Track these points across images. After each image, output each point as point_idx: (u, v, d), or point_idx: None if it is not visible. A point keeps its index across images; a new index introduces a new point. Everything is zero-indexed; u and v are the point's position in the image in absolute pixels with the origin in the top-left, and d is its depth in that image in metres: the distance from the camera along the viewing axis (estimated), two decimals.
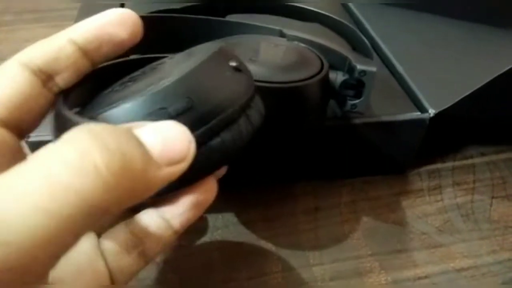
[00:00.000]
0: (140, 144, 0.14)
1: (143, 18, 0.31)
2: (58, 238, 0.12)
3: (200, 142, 0.17)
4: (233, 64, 0.19)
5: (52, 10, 0.52)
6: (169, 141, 0.15)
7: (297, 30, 0.30)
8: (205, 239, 0.30)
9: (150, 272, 0.27)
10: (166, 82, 0.17)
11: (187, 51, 0.22)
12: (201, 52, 0.20)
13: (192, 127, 0.17)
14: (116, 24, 0.19)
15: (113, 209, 0.13)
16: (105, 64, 0.21)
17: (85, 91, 0.20)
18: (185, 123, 0.16)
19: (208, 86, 0.18)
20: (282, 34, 0.30)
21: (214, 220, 0.31)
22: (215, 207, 0.31)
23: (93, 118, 0.17)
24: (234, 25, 0.32)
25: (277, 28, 0.31)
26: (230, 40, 0.29)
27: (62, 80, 0.18)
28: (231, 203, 0.32)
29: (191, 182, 0.18)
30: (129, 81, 0.20)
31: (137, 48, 0.32)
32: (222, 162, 0.19)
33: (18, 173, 0.12)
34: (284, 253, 0.29)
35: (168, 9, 0.33)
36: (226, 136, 0.18)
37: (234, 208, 0.31)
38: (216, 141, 0.18)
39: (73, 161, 0.12)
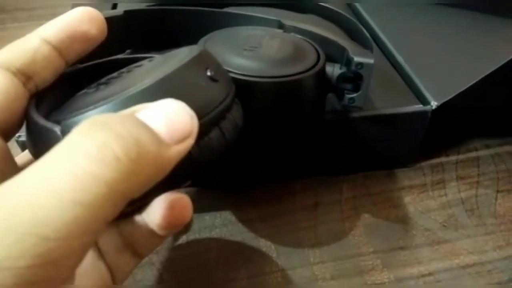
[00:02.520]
0: (148, 128, 0.14)
1: (137, 11, 0.31)
2: (92, 227, 0.13)
3: None
4: (210, 73, 0.18)
5: (44, 7, 0.51)
6: (171, 119, 0.15)
7: (294, 20, 0.29)
8: (203, 238, 0.29)
9: (146, 273, 0.27)
10: (135, 89, 0.16)
11: (168, 53, 0.21)
12: (179, 57, 0.19)
13: None
14: (86, 22, 0.19)
15: (135, 194, 0.14)
16: (82, 65, 0.21)
17: (61, 93, 0.20)
18: None
19: (178, 95, 0.17)
20: (280, 25, 0.30)
21: (212, 219, 0.30)
22: (213, 205, 0.31)
23: (60, 122, 0.16)
24: (232, 16, 0.31)
25: (275, 19, 0.30)
26: (225, 32, 0.28)
27: (40, 80, 0.19)
28: (229, 201, 0.31)
29: (158, 193, 0.18)
30: (104, 83, 0.20)
31: (131, 42, 0.31)
32: (189, 176, 0.18)
33: (44, 169, 0.13)
34: (284, 252, 0.28)
35: (164, 3, 0.33)
36: (193, 150, 0.17)
37: (232, 206, 0.31)
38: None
39: (94, 153, 0.13)
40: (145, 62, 0.21)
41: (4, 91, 0.17)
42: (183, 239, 0.29)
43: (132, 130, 0.14)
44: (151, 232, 0.20)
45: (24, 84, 0.18)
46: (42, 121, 0.17)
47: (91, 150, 0.13)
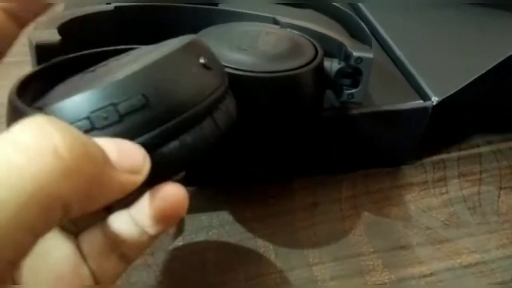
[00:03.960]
0: (97, 143, 0.13)
1: (128, 7, 0.30)
2: (13, 236, 0.11)
3: (154, 144, 0.16)
4: (203, 60, 0.18)
5: None
6: (123, 148, 0.14)
7: (291, 16, 0.29)
8: (200, 238, 0.28)
9: (142, 275, 0.26)
10: (120, 75, 0.15)
11: (160, 43, 0.21)
12: (170, 45, 0.18)
13: (145, 127, 0.16)
14: None
15: (72, 204, 0.12)
16: (70, 56, 0.20)
17: (46, 83, 0.19)
18: (136, 122, 0.15)
19: (168, 83, 0.16)
20: (275, 22, 0.29)
21: (209, 219, 0.29)
22: (210, 205, 0.30)
23: (40, 108, 0.16)
24: (226, 13, 0.30)
25: (270, 15, 0.29)
26: (220, 28, 0.27)
27: None
28: (226, 201, 0.30)
29: (151, 184, 0.16)
30: (90, 72, 0.19)
31: (122, 39, 0.31)
32: (181, 167, 0.17)
33: None
34: (282, 252, 0.27)
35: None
36: (185, 139, 0.16)
37: (229, 206, 0.30)
38: (173, 144, 0.16)
39: (29, 144, 0.11)
40: (133, 51, 0.21)
41: None
42: (179, 240, 0.28)
43: (81, 135, 0.12)
44: (140, 231, 0.17)
45: None
46: (23, 107, 0.16)
47: (25, 140, 0.11)
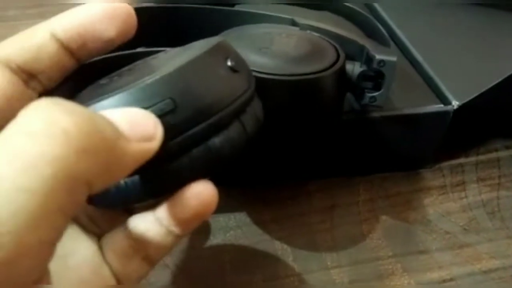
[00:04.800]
0: (105, 117, 0.13)
1: (146, 9, 0.30)
2: (46, 218, 0.11)
3: (183, 149, 0.16)
4: (230, 63, 0.17)
5: (55, 4, 0.50)
6: (134, 119, 0.14)
7: (308, 18, 0.29)
8: (217, 240, 0.28)
9: (160, 275, 0.26)
10: (149, 79, 0.15)
11: (186, 45, 0.20)
12: (197, 48, 0.18)
13: (174, 132, 0.15)
14: (105, 20, 0.17)
15: (93, 180, 0.12)
16: (95, 59, 0.19)
17: (72, 87, 0.19)
18: (167, 126, 0.15)
19: (196, 86, 0.16)
20: (294, 23, 0.29)
21: (226, 220, 0.29)
22: (227, 207, 0.30)
23: None
24: (243, 15, 0.30)
25: (288, 17, 0.29)
26: (240, 30, 0.27)
27: (46, 79, 0.17)
28: (244, 202, 0.30)
29: (177, 188, 0.16)
30: (116, 76, 0.19)
31: (141, 40, 0.31)
32: (209, 171, 0.17)
33: None
34: (300, 255, 0.27)
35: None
36: (213, 143, 0.16)
37: (246, 207, 0.30)
38: (201, 148, 0.16)
39: (39, 130, 0.11)
40: (159, 54, 0.21)
41: (0, 90, 0.16)
42: (197, 241, 0.28)
43: (87, 112, 0.12)
44: (165, 232, 0.17)
45: (26, 82, 0.16)
46: None
47: (33, 127, 0.11)
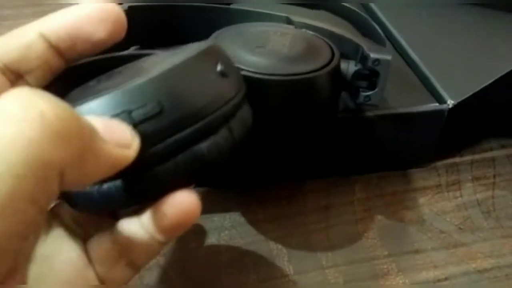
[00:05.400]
0: (84, 117, 0.13)
1: (141, 7, 0.30)
2: (13, 207, 0.11)
3: (167, 154, 0.16)
4: (220, 68, 0.17)
5: (52, 3, 0.50)
6: (109, 125, 0.14)
7: (304, 17, 0.29)
8: (212, 240, 0.28)
9: (154, 276, 0.26)
10: (135, 82, 0.15)
11: (178, 48, 0.20)
12: (187, 51, 0.18)
13: (158, 136, 0.15)
14: (94, 21, 0.17)
15: (66, 170, 0.12)
16: (84, 60, 0.19)
17: (60, 88, 0.18)
18: (151, 130, 0.15)
19: (184, 90, 0.16)
20: (289, 21, 0.29)
21: (221, 220, 0.29)
22: (222, 206, 0.30)
23: None
24: (238, 13, 0.30)
25: (283, 15, 0.29)
26: (234, 29, 0.27)
27: (33, 79, 0.17)
28: (238, 202, 0.30)
29: (162, 194, 0.16)
30: (105, 77, 0.19)
31: (136, 39, 0.31)
32: (195, 177, 0.17)
33: None
34: (295, 255, 0.27)
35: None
36: (200, 148, 0.16)
37: (241, 207, 0.30)
38: (186, 154, 0.16)
39: (16, 114, 0.11)
40: (151, 57, 0.20)
41: None
42: (192, 241, 0.28)
43: (66, 105, 0.12)
44: (150, 238, 0.17)
45: (13, 82, 0.16)
46: None
47: (10, 109, 0.11)
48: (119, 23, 0.17)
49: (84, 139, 0.12)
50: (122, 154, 0.14)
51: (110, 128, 0.14)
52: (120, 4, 0.37)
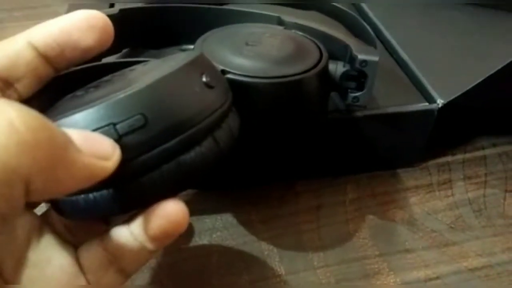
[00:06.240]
0: (57, 127, 0.13)
1: (135, 9, 0.30)
2: None
3: (152, 164, 0.16)
4: (205, 79, 0.18)
5: (43, 6, 0.50)
6: (89, 137, 0.14)
7: (295, 17, 0.29)
8: (203, 241, 0.28)
9: (146, 277, 0.26)
10: (121, 94, 0.15)
11: (164, 58, 0.21)
12: (173, 62, 0.18)
13: (143, 147, 0.16)
14: (83, 29, 0.17)
15: (33, 178, 0.12)
16: (73, 69, 0.20)
17: (49, 97, 0.19)
18: (136, 142, 0.15)
19: (168, 102, 0.16)
20: (280, 21, 0.29)
21: (213, 222, 0.29)
22: (214, 208, 0.30)
23: None
24: (231, 13, 0.30)
25: (275, 15, 0.29)
26: (223, 30, 0.27)
27: (22, 87, 0.17)
28: (230, 203, 0.30)
29: (149, 203, 0.17)
30: (93, 87, 0.19)
31: (131, 41, 0.31)
32: (180, 187, 0.17)
33: None
34: (287, 255, 0.27)
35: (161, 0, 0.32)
36: (184, 159, 0.16)
37: (233, 208, 0.30)
38: (172, 164, 0.16)
39: None
40: (137, 66, 0.21)
41: None
42: (183, 242, 0.28)
43: (39, 114, 0.12)
44: (140, 246, 0.17)
45: (2, 90, 0.17)
46: None
47: None
48: (107, 30, 0.18)
49: (54, 149, 0.13)
50: (100, 165, 0.14)
51: (89, 140, 0.14)
52: (111, 4, 0.37)
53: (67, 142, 0.13)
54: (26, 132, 0.12)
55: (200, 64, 0.18)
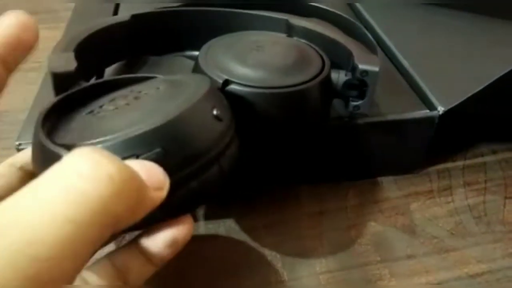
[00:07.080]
0: (134, 167, 0.15)
1: (147, 15, 0.31)
2: (82, 248, 0.13)
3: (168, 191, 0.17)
4: (216, 112, 0.19)
5: (47, 11, 0.51)
6: (150, 170, 0.16)
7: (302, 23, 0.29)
8: (206, 247, 0.28)
9: (149, 283, 0.26)
10: (143, 127, 0.17)
11: (175, 79, 0.22)
12: (187, 93, 0.19)
13: None
14: (25, 29, 0.18)
15: (122, 219, 0.14)
16: (85, 85, 0.21)
17: (64, 113, 0.20)
18: None
19: (185, 136, 0.18)
20: (288, 25, 0.29)
21: (216, 227, 0.29)
22: (216, 213, 0.30)
23: (70, 149, 0.16)
24: (239, 16, 0.31)
25: (283, 18, 0.29)
26: (224, 40, 0.28)
27: None
28: (233, 209, 0.30)
29: (161, 222, 0.19)
30: (109, 106, 0.20)
31: (142, 45, 0.31)
32: (187, 210, 0.19)
33: (37, 188, 0.13)
34: (289, 261, 0.28)
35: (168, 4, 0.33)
36: (192, 186, 0.18)
37: (236, 214, 0.30)
38: (182, 191, 0.18)
39: (87, 171, 0.13)
40: (150, 87, 0.21)
41: None
42: (186, 247, 0.28)
43: (125, 163, 0.14)
44: (145, 260, 0.19)
45: None
46: (50, 145, 0.17)
47: (84, 169, 0.13)
48: (36, 28, 0.18)
49: (138, 194, 0.15)
50: (158, 196, 0.16)
51: (150, 173, 0.16)
52: (117, 9, 0.37)
53: (143, 184, 0.15)
54: (122, 184, 0.13)
55: (212, 97, 0.20)
